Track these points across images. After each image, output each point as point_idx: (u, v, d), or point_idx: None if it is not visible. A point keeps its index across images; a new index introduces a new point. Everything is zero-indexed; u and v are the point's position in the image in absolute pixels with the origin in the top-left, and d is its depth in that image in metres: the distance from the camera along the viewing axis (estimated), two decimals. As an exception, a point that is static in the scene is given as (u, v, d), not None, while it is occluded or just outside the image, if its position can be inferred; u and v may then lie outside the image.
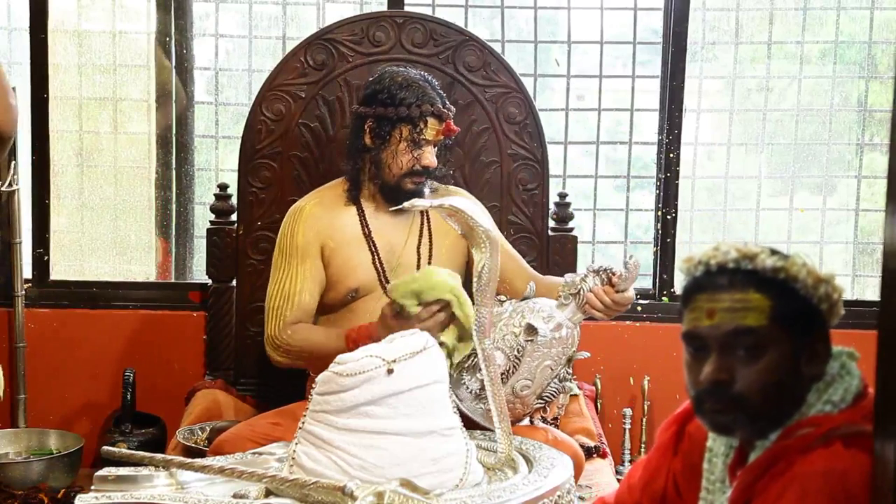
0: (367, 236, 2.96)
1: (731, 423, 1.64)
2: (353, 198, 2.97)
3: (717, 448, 1.73)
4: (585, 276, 2.71)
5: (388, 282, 2.93)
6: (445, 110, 2.89)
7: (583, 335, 2.75)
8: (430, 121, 2.86)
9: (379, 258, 2.95)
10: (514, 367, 2.66)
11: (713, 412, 1.63)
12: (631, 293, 2.73)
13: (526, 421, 2.80)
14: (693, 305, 1.65)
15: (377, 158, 2.91)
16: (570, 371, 2.74)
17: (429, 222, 3.02)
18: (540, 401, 2.72)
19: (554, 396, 2.73)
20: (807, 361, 1.62)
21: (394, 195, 2.90)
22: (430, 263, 2.97)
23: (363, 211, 2.98)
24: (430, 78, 2.97)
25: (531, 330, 2.66)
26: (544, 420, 2.92)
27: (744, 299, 1.61)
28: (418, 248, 2.99)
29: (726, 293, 1.62)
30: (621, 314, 2.81)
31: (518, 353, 2.66)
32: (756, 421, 1.63)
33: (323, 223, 2.95)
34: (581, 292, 2.68)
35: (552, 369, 2.68)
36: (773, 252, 1.64)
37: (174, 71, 3.79)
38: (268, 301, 2.94)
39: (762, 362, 1.60)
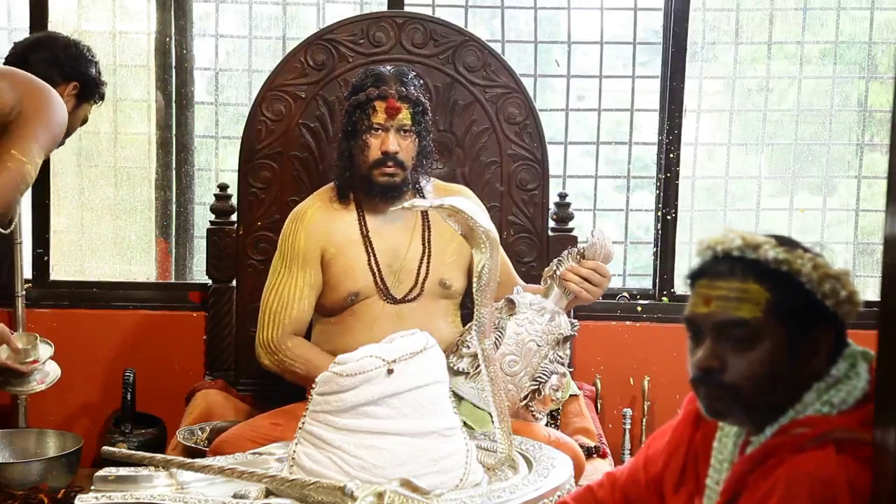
0: (365, 237, 2.96)
1: (724, 411, 1.64)
2: (351, 198, 2.98)
3: (729, 428, 1.71)
4: (560, 258, 2.90)
5: (385, 285, 2.94)
6: (392, 91, 2.88)
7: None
8: (378, 104, 2.88)
9: (375, 260, 2.95)
10: (498, 340, 2.80)
11: (707, 398, 1.63)
12: (604, 265, 2.87)
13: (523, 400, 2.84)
14: (695, 290, 1.65)
15: (351, 155, 2.94)
16: (564, 355, 2.86)
17: (429, 228, 3.01)
18: (533, 382, 2.82)
19: (546, 377, 2.80)
20: (806, 357, 1.60)
21: (368, 189, 2.93)
22: (429, 269, 2.98)
23: (363, 211, 2.98)
24: (401, 70, 2.98)
25: (510, 304, 2.85)
26: (538, 415, 2.92)
27: (741, 289, 1.59)
28: (421, 254, 2.99)
29: (725, 281, 1.61)
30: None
31: (500, 328, 2.81)
32: (749, 411, 1.62)
33: (324, 228, 2.95)
34: (556, 273, 2.87)
35: (538, 345, 2.81)
36: (783, 242, 1.62)
37: (174, 71, 3.79)
38: (265, 304, 2.97)
39: (754, 353, 1.59)
